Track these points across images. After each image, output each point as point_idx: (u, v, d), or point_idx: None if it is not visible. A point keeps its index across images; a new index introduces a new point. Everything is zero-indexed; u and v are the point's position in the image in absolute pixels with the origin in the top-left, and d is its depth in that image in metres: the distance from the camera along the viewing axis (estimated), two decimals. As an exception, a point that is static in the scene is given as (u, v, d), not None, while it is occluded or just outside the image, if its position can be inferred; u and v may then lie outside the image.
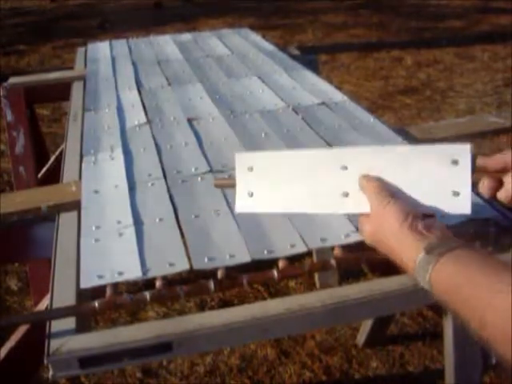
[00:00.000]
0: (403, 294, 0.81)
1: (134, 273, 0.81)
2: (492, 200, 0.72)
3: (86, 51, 2.21)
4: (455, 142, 0.72)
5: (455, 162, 0.69)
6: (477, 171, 0.70)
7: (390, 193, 0.69)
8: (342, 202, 0.73)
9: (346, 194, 0.73)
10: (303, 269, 0.82)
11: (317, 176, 0.76)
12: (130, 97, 1.60)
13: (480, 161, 0.70)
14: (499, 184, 0.70)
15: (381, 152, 0.74)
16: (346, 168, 0.74)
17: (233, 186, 0.80)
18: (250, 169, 0.79)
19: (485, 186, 0.70)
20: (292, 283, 2.14)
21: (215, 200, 1.00)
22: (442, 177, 0.70)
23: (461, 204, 0.68)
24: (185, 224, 0.93)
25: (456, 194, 0.69)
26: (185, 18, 6.74)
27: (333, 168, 0.75)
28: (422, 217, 0.67)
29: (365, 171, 0.73)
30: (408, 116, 3.68)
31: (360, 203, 0.71)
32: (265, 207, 0.78)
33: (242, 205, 0.78)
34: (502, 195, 0.69)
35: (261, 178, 0.78)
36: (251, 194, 0.78)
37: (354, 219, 0.90)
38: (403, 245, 0.65)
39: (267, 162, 0.79)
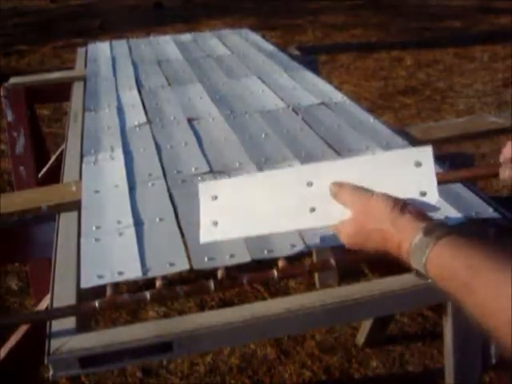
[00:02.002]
0: (403, 294, 0.82)
1: (134, 273, 0.81)
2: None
3: (86, 51, 2.21)
4: (419, 145, 0.74)
5: (418, 164, 0.71)
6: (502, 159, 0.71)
7: (367, 189, 0.70)
8: (309, 217, 0.74)
9: (313, 209, 0.74)
10: (303, 269, 0.83)
11: (282, 196, 0.76)
12: (130, 97, 1.60)
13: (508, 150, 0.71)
14: None
15: (343, 164, 0.76)
16: (311, 184, 0.75)
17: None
18: (214, 197, 0.80)
19: (506, 174, 0.71)
20: (292, 283, 2.14)
21: (215, 200, 1.00)
22: (408, 179, 0.71)
23: (429, 202, 0.70)
24: (185, 224, 0.93)
25: (423, 193, 0.70)
26: (185, 19, 6.74)
27: (297, 185, 0.75)
28: (409, 204, 0.67)
29: (330, 184, 0.73)
30: (408, 116, 3.68)
31: (328, 215, 0.72)
32: (231, 234, 0.78)
33: (206, 235, 0.78)
34: None
35: (225, 205, 0.79)
36: (215, 224, 0.78)
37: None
38: (397, 226, 0.64)
39: (231, 189, 0.80)
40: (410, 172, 0.71)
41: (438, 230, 0.60)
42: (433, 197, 0.70)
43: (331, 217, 0.72)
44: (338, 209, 0.72)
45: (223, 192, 0.80)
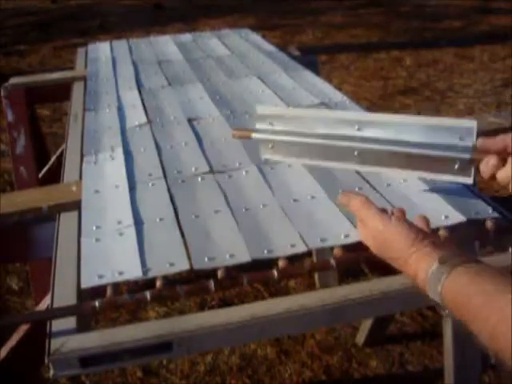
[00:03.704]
0: (403, 294, 0.82)
1: (134, 273, 0.82)
2: (490, 181, 0.75)
3: (86, 51, 2.21)
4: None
5: (462, 138, 0.77)
6: (478, 151, 0.73)
7: (378, 207, 0.72)
8: (353, 160, 0.84)
9: (359, 154, 0.83)
10: (303, 269, 0.83)
11: (333, 134, 0.85)
12: (131, 97, 1.60)
13: (480, 141, 0.73)
14: (502, 164, 0.71)
15: (392, 117, 0.83)
16: (360, 130, 0.83)
17: (249, 137, 0.88)
18: (271, 123, 0.91)
19: (489, 164, 0.72)
20: (292, 283, 2.14)
21: (215, 200, 1.00)
22: (450, 150, 0.78)
23: (464, 174, 0.77)
24: (185, 224, 0.93)
25: (460, 167, 0.77)
26: (185, 19, 6.74)
27: (349, 128, 0.84)
28: (427, 233, 0.68)
29: (377, 134, 0.82)
30: (408, 116, 3.67)
31: (368, 162, 0.83)
32: (285, 157, 0.92)
33: (266, 153, 0.93)
34: (502, 175, 0.72)
35: (280, 131, 0.89)
36: (272, 146, 0.92)
37: (354, 219, 0.91)
38: (416, 256, 0.65)
39: (287, 117, 0.90)
40: (451, 143, 0.78)
41: (454, 259, 0.61)
42: (469, 171, 0.77)
43: (372, 164, 0.82)
44: (380, 156, 0.82)
45: (279, 118, 0.90)
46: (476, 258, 0.62)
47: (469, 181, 0.77)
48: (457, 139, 0.78)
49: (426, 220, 0.73)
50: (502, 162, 0.72)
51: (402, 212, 0.74)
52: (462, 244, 0.87)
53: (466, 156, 0.76)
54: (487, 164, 0.73)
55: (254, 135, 0.92)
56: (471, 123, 0.78)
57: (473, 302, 0.56)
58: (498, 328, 0.53)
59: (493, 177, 0.73)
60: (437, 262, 0.62)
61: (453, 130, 0.79)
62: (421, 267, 0.64)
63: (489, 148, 0.73)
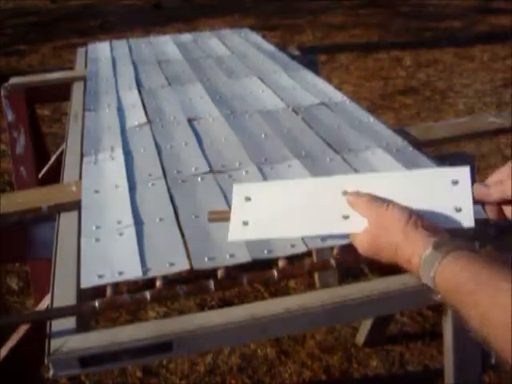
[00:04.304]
0: (403, 294, 0.82)
1: (134, 272, 0.82)
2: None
3: (86, 51, 2.21)
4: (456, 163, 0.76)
5: (455, 183, 0.73)
6: (475, 201, 0.71)
7: (384, 200, 0.70)
8: (341, 223, 0.74)
9: (347, 217, 0.74)
10: (303, 269, 0.83)
11: (316, 202, 0.77)
12: (131, 97, 1.60)
13: (477, 192, 0.71)
14: (501, 210, 0.70)
15: (381, 177, 0.78)
16: (346, 193, 0.75)
17: (227, 219, 0.80)
18: (248, 199, 0.80)
19: (489, 215, 0.72)
20: (292, 283, 2.14)
21: (215, 200, 1.00)
22: (444, 196, 0.72)
23: (464, 218, 0.71)
24: (185, 224, 0.93)
25: (458, 209, 0.71)
26: (185, 19, 6.74)
27: (333, 193, 0.76)
28: (423, 218, 0.68)
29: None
30: (407, 116, 3.68)
31: (361, 223, 0.72)
32: (260, 234, 0.79)
33: (235, 233, 0.79)
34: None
35: (258, 207, 0.79)
36: (246, 223, 0.79)
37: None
38: (409, 240, 0.65)
39: (266, 192, 0.81)
40: (446, 189, 0.73)
41: (448, 244, 0.62)
42: (468, 213, 0.71)
43: (363, 225, 0.72)
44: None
45: (257, 194, 0.81)
46: (469, 245, 0.62)
47: (470, 224, 0.74)
48: (451, 186, 0.73)
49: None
50: (501, 210, 0.70)
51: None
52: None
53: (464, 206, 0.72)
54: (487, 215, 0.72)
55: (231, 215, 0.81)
56: (464, 169, 0.74)
57: (465, 287, 0.57)
58: (488, 314, 0.53)
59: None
60: (431, 247, 0.62)
61: (445, 177, 0.74)
62: (415, 252, 0.63)
63: (484, 198, 0.70)
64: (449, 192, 0.72)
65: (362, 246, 0.71)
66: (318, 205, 0.77)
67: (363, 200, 0.71)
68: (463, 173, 0.73)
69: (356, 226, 0.73)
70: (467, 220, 0.71)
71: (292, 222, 0.77)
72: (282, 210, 0.78)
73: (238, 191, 0.82)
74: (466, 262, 0.59)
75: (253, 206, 0.80)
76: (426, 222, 0.67)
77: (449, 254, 0.60)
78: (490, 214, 0.71)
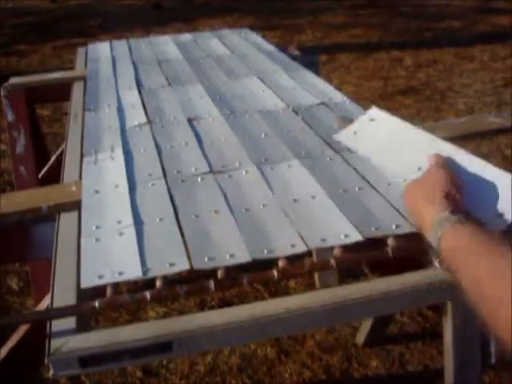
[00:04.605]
0: (403, 294, 0.82)
1: (134, 272, 0.82)
2: None
3: (86, 51, 2.21)
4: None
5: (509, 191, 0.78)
6: None
7: (446, 164, 0.75)
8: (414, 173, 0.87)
9: (420, 169, 0.87)
10: (303, 269, 0.83)
11: (409, 149, 0.95)
12: (131, 97, 1.60)
13: None
14: None
15: (465, 156, 0.89)
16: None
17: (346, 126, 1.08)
18: (372, 119, 1.05)
19: None
20: (292, 283, 2.14)
21: (215, 200, 1.00)
22: (498, 200, 0.77)
23: (500, 223, 0.74)
24: (185, 224, 0.93)
25: (501, 215, 0.75)
26: (185, 18, 6.74)
27: (426, 149, 0.90)
28: (460, 196, 0.69)
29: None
30: (408, 116, 3.68)
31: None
32: (357, 147, 1.04)
33: (343, 137, 1.09)
34: None
35: (374, 128, 1.02)
36: (355, 133, 1.06)
37: (353, 219, 0.91)
38: (431, 203, 0.67)
39: (386, 122, 1.02)
40: (503, 197, 0.78)
41: (465, 215, 0.63)
42: (506, 221, 0.74)
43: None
44: None
45: (381, 119, 1.05)
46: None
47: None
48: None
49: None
50: None
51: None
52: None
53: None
54: None
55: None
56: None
57: (467, 248, 0.58)
58: (483, 278, 0.53)
59: None
60: (448, 211, 0.63)
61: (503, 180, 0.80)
62: (430, 213, 0.65)
63: None
64: (502, 197, 0.77)
65: (405, 190, 0.75)
66: (407, 152, 0.95)
67: (436, 156, 0.77)
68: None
69: None
70: (502, 226, 0.74)
71: (381, 153, 0.97)
72: (384, 140, 1.00)
73: (371, 112, 1.07)
74: (475, 230, 0.60)
75: (372, 126, 1.03)
76: (459, 197, 0.68)
77: (463, 220, 0.62)
78: None
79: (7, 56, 5.50)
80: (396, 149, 0.97)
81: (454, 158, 0.87)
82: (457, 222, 0.62)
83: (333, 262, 0.82)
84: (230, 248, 0.85)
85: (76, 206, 1.03)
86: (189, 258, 0.84)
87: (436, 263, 0.65)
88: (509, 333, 0.49)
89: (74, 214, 1.02)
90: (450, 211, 0.64)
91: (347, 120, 1.11)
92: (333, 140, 1.22)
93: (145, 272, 0.81)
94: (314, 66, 1.96)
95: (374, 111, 1.07)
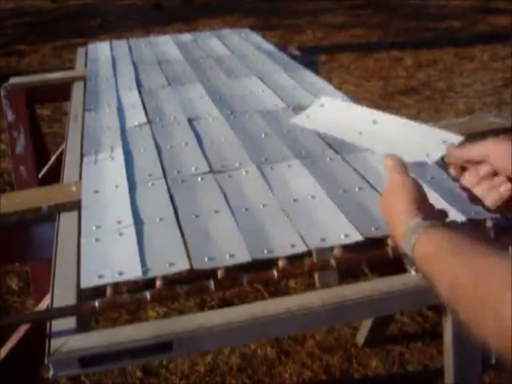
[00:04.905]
0: (403, 293, 0.82)
1: (134, 272, 0.82)
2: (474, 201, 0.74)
3: (86, 51, 2.21)
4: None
5: (444, 142, 0.85)
6: (453, 163, 0.75)
7: (405, 169, 0.73)
8: (358, 137, 1.04)
9: (361, 133, 1.04)
10: (303, 269, 0.83)
11: (353, 122, 1.07)
12: (131, 97, 1.60)
13: (455, 153, 0.74)
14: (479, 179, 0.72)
15: (396, 120, 1.03)
16: (375, 122, 1.03)
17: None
18: (322, 105, 1.20)
19: (465, 179, 0.73)
20: (292, 283, 2.14)
21: (215, 200, 1.00)
22: (428, 146, 0.88)
23: (426, 161, 0.87)
24: (185, 224, 0.93)
25: (428, 155, 0.87)
26: (185, 19, 6.74)
27: (366, 121, 1.04)
28: (432, 205, 0.68)
29: (385, 127, 1.01)
30: (408, 116, 3.65)
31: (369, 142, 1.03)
32: (313, 127, 1.20)
33: (297, 120, 1.26)
34: (493, 197, 0.70)
35: (325, 111, 1.18)
36: (308, 116, 1.22)
37: (353, 219, 0.91)
38: (405, 211, 0.65)
39: (334, 106, 1.19)
40: (433, 143, 0.88)
41: (437, 220, 0.62)
42: (431, 161, 0.86)
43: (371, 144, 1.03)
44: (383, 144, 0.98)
45: (331, 104, 1.19)
46: (458, 226, 0.62)
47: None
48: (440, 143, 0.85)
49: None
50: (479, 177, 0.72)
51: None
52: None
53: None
54: (464, 179, 0.74)
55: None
56: (457, 137, 0.85)
57: (441, 252, 0.56)
58: (459, 278, 0.52)
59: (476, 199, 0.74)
60: (419, 218, 0.62)
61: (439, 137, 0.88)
62: (404, 219, 0.64)
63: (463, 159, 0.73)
64: (433, 145, 0.86)
65: (380, 205, 0.73)
66: (351, 122, 1.08)
67: (394, 161, 0.75)
68: (455, 139, 0.85)
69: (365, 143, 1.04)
70: (426, 163, 0.87)
71: (335, 127, 1.10)
72: (332, 118, 1.14)
73: (322, 99, 1.21)
74: (449, 234, 0.58)
75: (322, 110, 1.18)
76: (432, 207, 0.68)
77: (435, 226, 0.60)
78: (452, 173, 0.76)
79: (7, 56, 5.50)
80: (344, 122, 1.09)
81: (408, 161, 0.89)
82: (429, 227, 0.60)
83: (333, 262, 0.82)
84: (230, 248, 0.85)
85: (76, 205, 1.03)
86: (189, 257, 0.84)
87: (412, 271, 0.64)
88: (498, 336, 0.47)
89: (74, 213, 1.02)
90: (422, 218, 0.62)
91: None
92: (333, 140, 1.22)
93: (145, 272, 0.81)
94: (313, 66, 1.96)
95: (324, 98, 1.21)
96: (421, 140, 0.91)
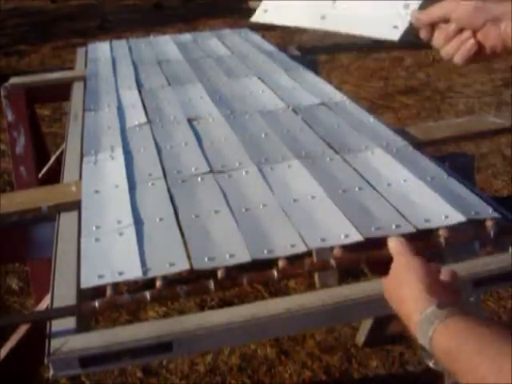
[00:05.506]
0: (403, 293, 0.82)
1: (134, 273, 0.82)
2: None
3: (86, 51, 2.21)
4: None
5: (406, 6, 0.88)
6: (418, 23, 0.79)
7: (413, 252, 0.71)
8: (320, 22, 1.02)
9: (323, 17, 1.02)
10: (303, 269, 0.83)
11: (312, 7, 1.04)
12: (131, 97, 1.60)
13: (421, 17, 0.78)
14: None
15: None
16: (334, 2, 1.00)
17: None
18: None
19: (435, 39, 0.77)
20: (292, 283, 2.14)
21: (215, 200, 1.00)
22: (391, 13, 0.91)
23: (394, 32, 0.90)
24: (185, 224, 0.93)
25: (395, 27, 0.91)
26: (185, 19, 6.74)
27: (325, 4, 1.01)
28: (443, 284, 0.66)
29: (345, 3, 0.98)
30: (408, 116, 3.68)
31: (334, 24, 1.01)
32: (276, 20, 1.12)
33: (257, 17, 1.18)
34: (462, 53, 0.74)
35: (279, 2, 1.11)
36: (266, 11, 1.16)
37: (353, 219, 0.91)
38: (415, 297, 0.63)
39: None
40: (395, 10, 0.91)
41: (452, 306, 0.59)
42: (399, 30, 0.90)
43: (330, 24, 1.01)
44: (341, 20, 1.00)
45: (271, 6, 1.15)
46: (474, 311, 0.60)
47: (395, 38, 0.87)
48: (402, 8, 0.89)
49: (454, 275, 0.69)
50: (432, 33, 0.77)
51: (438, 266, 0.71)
52: (462, 244, 0.87)
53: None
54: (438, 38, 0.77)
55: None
56: None
57: (465, 348, 0.53)
58: (487, 379, 0.50)
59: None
60: (434, 306, 0.59)
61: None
62: (417, 308, 0.61)
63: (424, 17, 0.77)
64: (396, 12, 0.87)
65: (384, 288, 0.71)
66: (312, 5, 1.05)
67: (398, 244, 0.75)
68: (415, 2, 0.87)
69: (329, 25, 1.00)
70: (395, 35, 0.89)
71: (298, 16, 1.06)
72: (292, 6, 1.09)
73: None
74: (468, 325, 0.56)
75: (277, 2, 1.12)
76: (440, 286, 0.65)
77: (452, 315, 0.57)
78: (422, 34, 0.79)
79: (7, 56, 5.50)
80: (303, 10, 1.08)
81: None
82: (447, 318, 0.57)
83: (333, 262, 0.82)
84: (230, 248, 0.85)
85: (76, 205, 1.03)
86: (189, 257, 0.84)
87: (431, 364, 0.61)
88: None
89: (74, 213, 1.02)
90: (436, 305, 0.59)
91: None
92: (333, 140, 1.22)
93: (145, 272, 0.81)
94: (313, 66, 1.96)
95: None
96: (383, 11, 0.92)
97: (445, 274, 0.68)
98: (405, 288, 0.65)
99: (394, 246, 0.75)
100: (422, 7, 0.83)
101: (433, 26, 0.77)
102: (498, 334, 0.53)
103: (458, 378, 0.54)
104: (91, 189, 1.08)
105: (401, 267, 0.69)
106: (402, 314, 0.65)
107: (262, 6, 1.20)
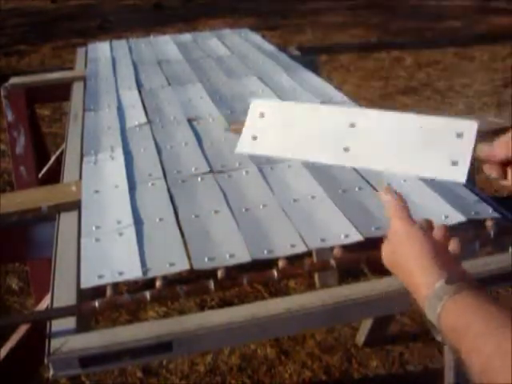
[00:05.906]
0: (403, 293, 0.81)
1: (134, 273, 0.82)
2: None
3: (86, 51, 2.21)
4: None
5: (460, 135, 0.71)
6: (478, 161, 0.70)
7: (410, 215, 0.68)
8: (342, 155, 0.77)
9: (347, 149, 0.77)
10: (303, 269, 0.83)
11: (324, 129, 0.79)
12: (131, 97, 1.60)
13: (481, 150, 0.69)
14: (505, 172, 0.68)
15: (388, 115, 0.77)
16: (353, 125, 0.77)
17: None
18: (262, 115, 0.84)
19: (492, 176, 0.69)
20: (292, 283, 2.14)
21: (215, 200, 1.00)
22: (444, 146, 0.71)
23: (457, 173, 0.70)
24: (185, 224, 0.93)
25: (454, 163, 0.70)
26: (185, 19, 6.74)
27: (341, 124, 0.78)
28: (446, 249, 0.65)
29: (371, 130, 0.76)
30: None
31: (357, 158, 0.76)
32: (265, 151, 0.83)
33: (243, 146, 0.84)
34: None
35: (269, 124, 0.83)
36: (255, 138, 0.83)
37: (353, 219, 0.91)
38: (423, 270, 0.61)
39: (279, 110, 0.85)
40: (448, 140, 0.71)
41: (461, 281, 0.58)
42: (463, 168, 0.70)
43: (359, 161, 0.76)
44: (370, 152, 0.75)
45: (271, 111, 0.84)
46: (483, 286, 0.59)
47: (461, 179, 0.73)
48: (454, 138, 0.71)
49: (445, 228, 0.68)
50: (504, 172, 0.68)
51: (429, 223, 0.69)
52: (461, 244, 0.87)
53: (464, 158, 0.71)
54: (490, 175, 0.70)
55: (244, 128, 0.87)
56: (472, 123, 0.72)
57: (472, 329, 0.53)
58: (492, 360, 0.49)
59: None
60: (443, 281, 0.58)
61: (451, 127, 0.72)
62: (424, 282, 0.60)
63: (489, 158, 0.69)
64: (450, 143, 0.71)
65: (383, 255, 0.70)
66: (324, 132, 0.79)
67: (394, 204, 0.70)
68: (470, 126, 0.71)
69: (353, 160, 0.77)
70: (460, 175, 0.70)
71: (297, 145, 0.80)
72: (290, 131, 0.81)
73: (254, 107, 0.85)
74: (476, 303, 0.55)
75: (265, 122, 0.84)
76: (446, 253, 0.64)
77: (461, 291, 0.57)
78: (493, 174, 0.69)
79: (7, 56, 5.50)
80: (312, 136, 0.81)
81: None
82: (456, 293, 0.56)
83: (333, 262, 0.82)
84: (230, 248, 0.85)
85: (76, 205, 1.03)
86: (189, 258, 0.84)
87: (439, 338, 0.60)
88: None
89: (74, 213, 1.02)
90: (446, 279, 0.58)
91: (239, 124, 0.90)
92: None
93: (145, 272, 0.81)
94: (313, 66, 1.96)
95: (257, 103, 0.86)
96: (429, 140, 0.73)
97: (451, 245, 0.67)
98: (410, 259, 0.63)
99: (393, 206, 0.70)
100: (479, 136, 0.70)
101: (502, 165, 0.68)
102: (506, 313, 0.53)
103: (462, 356, 0.53)
104: (91, 189, 1.08)
105: (402, 236, 0.66)
106: (409, 286, 0.64)
107: (247, 131, 0.87)
